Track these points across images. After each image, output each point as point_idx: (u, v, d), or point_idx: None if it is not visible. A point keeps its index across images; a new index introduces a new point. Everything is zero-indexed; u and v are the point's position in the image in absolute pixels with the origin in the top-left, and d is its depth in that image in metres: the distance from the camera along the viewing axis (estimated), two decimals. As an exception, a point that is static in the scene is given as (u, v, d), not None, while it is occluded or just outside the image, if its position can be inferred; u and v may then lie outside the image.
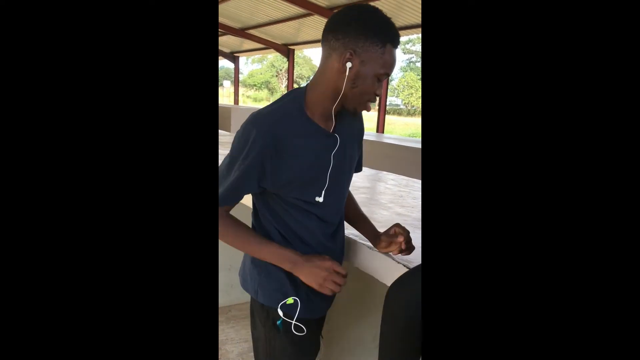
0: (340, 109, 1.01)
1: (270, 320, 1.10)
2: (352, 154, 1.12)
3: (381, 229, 1.43)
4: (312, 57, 40.91)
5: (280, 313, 1.07)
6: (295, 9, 9.23)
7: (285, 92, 1.29)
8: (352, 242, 1.29)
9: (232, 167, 0.99)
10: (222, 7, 10.45)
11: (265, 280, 1.10)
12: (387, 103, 12.27)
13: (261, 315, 1.12)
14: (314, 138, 1.00)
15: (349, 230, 1.33)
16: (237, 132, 1.00)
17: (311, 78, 1.02)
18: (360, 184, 2.20)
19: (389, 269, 1.15)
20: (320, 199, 1.04)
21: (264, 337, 1.13)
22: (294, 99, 1.02)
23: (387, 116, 11.92)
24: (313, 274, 1.00)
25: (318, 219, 1.08)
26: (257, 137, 0.94)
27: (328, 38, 0.95)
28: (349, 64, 0.92)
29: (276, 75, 38.91)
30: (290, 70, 12.76)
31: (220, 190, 1.01)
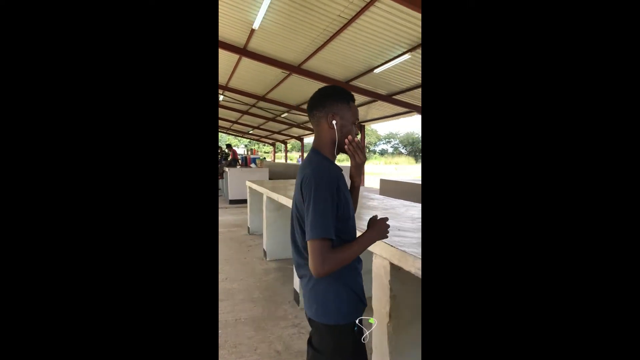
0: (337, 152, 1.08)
1: (341, 333, 1.03)
2: None
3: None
4: (377, 129, 41.44)
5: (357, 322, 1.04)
6: (364, 98, 9.71)
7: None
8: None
9: (318, 207, 0.95)
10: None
11: (342, 305, 1.03)
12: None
13: (330, 334, 1.04)
14: (342, 178, 1.05)
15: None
16: (311, 182, 0.97)
17: (313, 140, 1.09)
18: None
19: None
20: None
21: (331, 351, 1.04)
22: (318, 154, 1.06)
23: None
24: (383, 231, 1.05)
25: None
26: (330, 181, 0.97)
27: (313, 113, 1.06)
28: (334, 121, 1.04)
29: (352, 143, 39.96)
30: (362, 139, 13.48)
31: (318, 225, 0.94)
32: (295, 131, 19.34)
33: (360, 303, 1.07)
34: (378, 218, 1.10)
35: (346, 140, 1.04)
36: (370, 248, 1.47)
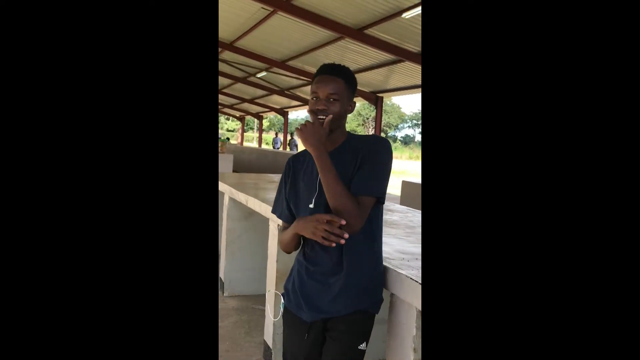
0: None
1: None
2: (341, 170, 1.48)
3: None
4: (400, 104, 41.42)
5: (283, 300, 1.65)
6: (385, 56, 9.65)
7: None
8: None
9: (279, 191, 1.67)
10: (309, 55, 11.17)
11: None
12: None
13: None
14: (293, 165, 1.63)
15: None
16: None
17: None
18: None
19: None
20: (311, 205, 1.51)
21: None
22: None
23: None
24: (306, 227, 1.42)
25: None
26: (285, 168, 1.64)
27: None
28: None
29: (362, 124, 39.76)
30: (378, 118, 13.03)
31: (277, 209, 1.69)
32: (276, 100, 18.95)
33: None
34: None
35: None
36: (386, 287, 1.61)
